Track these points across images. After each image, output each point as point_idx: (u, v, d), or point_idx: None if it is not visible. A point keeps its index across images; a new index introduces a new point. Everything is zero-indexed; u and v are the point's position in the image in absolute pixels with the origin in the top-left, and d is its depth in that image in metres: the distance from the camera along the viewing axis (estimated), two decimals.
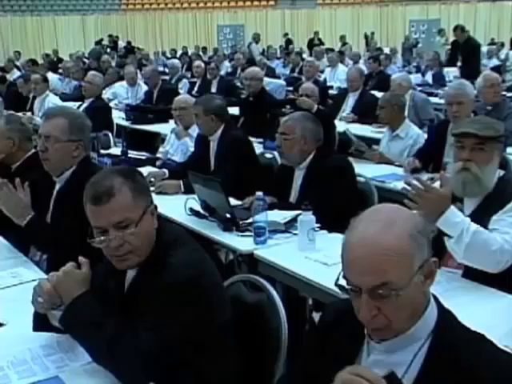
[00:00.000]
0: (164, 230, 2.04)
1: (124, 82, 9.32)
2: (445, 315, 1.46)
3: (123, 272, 2.05)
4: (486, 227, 2.59)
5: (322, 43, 20.56)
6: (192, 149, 4.97)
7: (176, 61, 13.00)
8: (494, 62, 13.96)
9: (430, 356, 1.42)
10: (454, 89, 4.61)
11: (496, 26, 24.71)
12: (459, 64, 10.09)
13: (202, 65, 10.62)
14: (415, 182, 2.44)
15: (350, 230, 1.45)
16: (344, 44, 20.23)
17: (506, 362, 1.39)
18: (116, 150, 5.48)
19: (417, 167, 4.35)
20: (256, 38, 19.48)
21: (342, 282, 1.44)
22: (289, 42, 21.99)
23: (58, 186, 3.07)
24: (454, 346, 1.40)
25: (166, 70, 13.49)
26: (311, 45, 20.42)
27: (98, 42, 21.75)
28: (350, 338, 1.52)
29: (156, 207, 2.04)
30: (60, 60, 17.19)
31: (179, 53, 19.62)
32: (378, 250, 1.37)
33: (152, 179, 4.25)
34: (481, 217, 2.64)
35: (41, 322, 2.11)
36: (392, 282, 1.37)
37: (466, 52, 10.22)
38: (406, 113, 6.05)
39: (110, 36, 22.34)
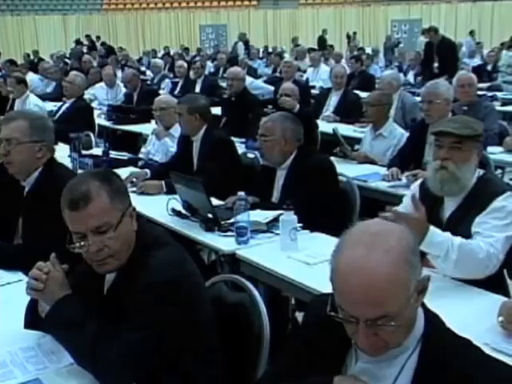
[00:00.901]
0: (144, 231, 2.03)
1: (102, 83, 9.28)
2: (432, 321, 1.45)
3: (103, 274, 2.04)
4: (467, 227, 2.62)
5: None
6: (172, 149, 4.97)
7: (159, 60, 12.98)
8: (477, 61, 14.06)
9: (419, 365, 1.40)
10: (427, 88, 4.64)
11: (477, 25, 24.88)
12: (436, 65, 10.13)
13: (185, 65, 10.60)
14: (389, 214, 2.38)
15: (340, 253, 1.38)
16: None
17: (494, 367, 1.39)
18: (98, 151, 5.45)
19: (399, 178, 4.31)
20: (242, 38, 19.46)
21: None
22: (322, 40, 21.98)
23: (26, 189, 3.02)
24: (442, 353, 1.39)
25: (148, 72, 13.48)
26: (321, 42, 20.44)
27: (77, 42, 21.64)
28: (337, 342, 1.49)
29: (135, 209, 2.03)
30: (40, 60, 17.06)
31: (161, 53, 19.57)
32: (375, 283, 1.31)
33: (134, 179, 4.24)
34: (462, 216, 2.67)
35: (33, 320, 2.10)
36: (391, 313, 1.33)
37: (443, 52, 10.28)
38: (392, 113, 6.10)
39: (88, 36, 22.22)
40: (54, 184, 1.93)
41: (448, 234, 2.48)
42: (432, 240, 2.41)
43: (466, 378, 1.34)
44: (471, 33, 20.64)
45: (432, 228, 2.43)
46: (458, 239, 2.47)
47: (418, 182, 2.96)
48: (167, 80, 11.06)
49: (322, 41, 20.86)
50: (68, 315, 1.96)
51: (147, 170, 4.47)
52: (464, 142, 2.66)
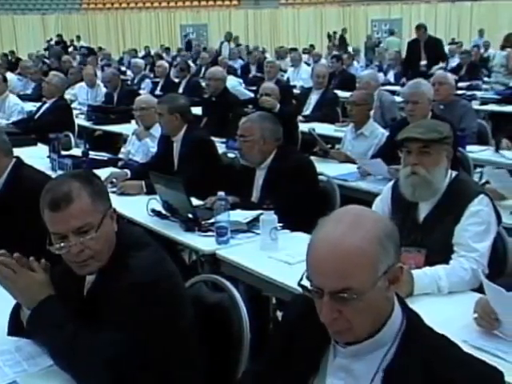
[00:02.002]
0: (124, 232, 2.03)
1: (83, 83, 9.22)
2: (410, 318, 1.45)
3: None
4: (442, 229, 2.64)
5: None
6: (153, 149, 4.95)
7: (139, 60, 12.91)
8: (456, 60, 14.15)
9: (395, 360, 1.40)
10: (409, 88, 4.67)
11: (456, 25, 25.08)
12: (424, 62, 10.16)
13: (165, 64, 10.56)
14: None
15: (316, 230, 1.42)
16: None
17: (471, 365, 1.39)
18: (77, 151, 5.42)
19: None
20: (228, 37, 19.42)
21: (306, 282, 1.41)
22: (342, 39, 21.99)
23: None
24: (419, 349, 1.38)
25: (128, 72, 13.42)
26: (342, 41, 20.41)
27: (49, 42, 21.52)
28: (315, 338, 1.49)
29: (115, 210, 2.02)
30: (18, 60, 16.90)
31: (142, 53, 19.49)
32: (341, 253, 1.34)
33: (114, 180, 4.21)
34: (437, 219, 2.69)
35: (16, 327, 2.08)
36: (354, 287, 1.33)
37: (431, 50, 10.32)
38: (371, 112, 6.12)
39: (59, 36, 22.07)
40: (22, 186, 1.91)
41: (430, 270, 2.50)
42: (420, 284, 2.44)
43: (442, 376, 1.34)
44: (480, 31, 20.68)
45: (415, 274, 2.45)
46: (442, 270, 2.49)
47: (390, 183, 2.98)
48: (147, 80, 11.01)
49: (342, 40, 20.78)
50: (50, 316, 1.94)
51: (127, 171, 4.45)
52: (431, 146, 2.67)
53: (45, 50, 20.17)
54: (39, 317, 1.96)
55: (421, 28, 10.51)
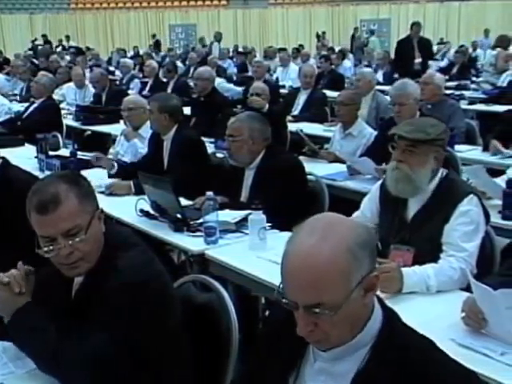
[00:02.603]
0: (111, 233, 2.02)
1: (71, 84, 9.18)
2: (389, 319, 1.44)
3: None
4: (431, 228, 2.65)
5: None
6: (142, 150, 4.94)
7: (128, 60, 12.87)
8: (445, 61, 14.22)
9: (371, 361, 1.39)
10: (395, 90, 4.67)
11: (444, 25, 25.17)
12: (419, 60, 10.19)
13: (154, 64, 10.54)
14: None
15: (290, 240, 1.40)
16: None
17: (446, 365, 1.39)
18: (65, 152, 5.39)
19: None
20: (218, 37, 19.38)
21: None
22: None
23: None
24: (395, 350, 1.38)
25: (117, 72, 13.37)
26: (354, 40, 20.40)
27: (33, 42, 21.42)
28: (296, 340, 1.48)
29: (102, 211, 2.01)
30: (6, 60, 16.81)
31: (131, 53, 19.43)
32: (312, 269, 1.31)
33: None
34: (425, 217, 2.70)
35: (1, 330, 2.06)
36: (327, 303, 1.32)
37: (424, 49, 10.36)
38: (364, 113, 6.13)
39: (44, 36, 21.96)
40: (9, 187, 1.90)
41: (419, 269, 2.51)
42: (410, 282, 2.45)
43: (417, 374, 1.34)
44: (485, 31, 20.73)
45: (405, 272, 2.46)
46: (431, 269, 2.50)
47: (379, 182, 2.99)
48: (136, 80, 10.98)
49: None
50: (29, 322, 1.93)
51: (114, 162, 4.53)
52: (417, 146, 2.68)
53: (29, 49, 20.04)
54: (18, 324, 1.95)
55: (415, 26, 10.49)
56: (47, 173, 4.34)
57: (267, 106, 5.81)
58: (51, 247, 1.89)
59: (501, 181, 3.51)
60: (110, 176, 4.50)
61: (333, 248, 1.33)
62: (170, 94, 5.08)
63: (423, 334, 1.45)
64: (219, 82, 8.78)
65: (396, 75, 9.96)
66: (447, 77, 9.50)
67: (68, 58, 16.60)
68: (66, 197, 1.89)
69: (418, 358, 1.36)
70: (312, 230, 1.37)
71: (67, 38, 22.34)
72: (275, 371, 1.53)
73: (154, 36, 22.85)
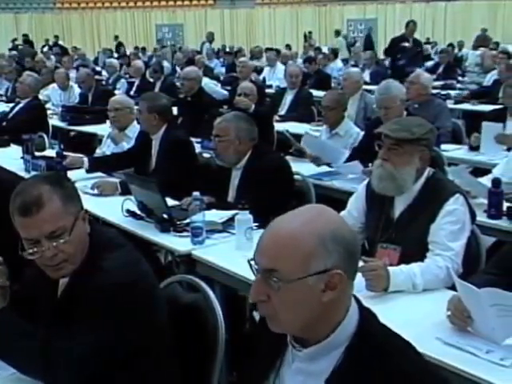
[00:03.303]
0: (96, 234, 2.01)
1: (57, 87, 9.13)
2: (365, 319, 1.44)
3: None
4: (417, 228, 2.66)
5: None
6: None
7: (114, 60, 12.80)
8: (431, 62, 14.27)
9: (345, 360, 1.40)
10: (380, 93, 4.67)
11: (430, 25, 25.26)
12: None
13: (140, 64, 10.50)
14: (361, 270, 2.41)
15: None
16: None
17: (418, 366, 1.39)
18: (51, 152, 5.36)
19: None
20: (209, 38, 19.32)
21: None
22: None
23: None
24: (370, 351, 1.38)
25: (104, 72, 13.32)
26: (368, 41, 20.31)
27: (13, 41, 21.28)
28: (276, 342, 1.51)
29: (87, 211, 2.00)
30: None
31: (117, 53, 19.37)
32: (280, 238, 1.38)
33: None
34: (411, 217, 2.72)
35: None
36: (280, 271, 1.36)
37: (420, 48, 10.43)
38: (352, 113, 6.14)
39: (25, 35, 21.83)
40: None
41: (406, 267, 2.52)
42: (397, 280, 2.46)
43: (391, 375, 1.34)
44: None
45: (391, 270, 2.46)
46: (417, 268, 2.51)
47: (365, 182, 3.00)
48: (123, 80, 10.95)
49: (368, 40, 20.67)
50: (9, 329, 1.90)
51: (85, 159, 4.56)
52: (402, 145, 2.69)
53: (9, 50, 19.87)
54: None
55: (414, 25, 10.47)
56: (33, 173, 4.32)
57: (253, 106, 5.81)
58: (35, 249, 1.88)
59: (486, 180, 3.53)
60: (87, 171, 4.53)
61: (304, 226, 1.38)
62: (159, 94, 5.07)
63: (401, 336, 1.45)
64: (206, 83, 8.77)
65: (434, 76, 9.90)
66: (434, 76, 9.54)
67: (53, 58, 16.50)
68: (49, 199, 1.87)
69: (393, 359, 1.36)
70: (300, 212, 1.44)
71: (56, 37, 22.19)
72: (257, 371, 1.54)
73: (116, 37, 22.56)
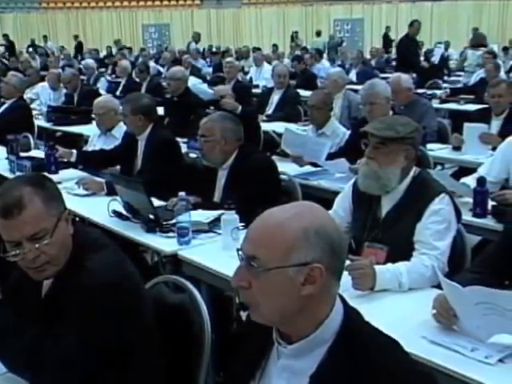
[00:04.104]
0: (80, 235, 2.00)
1: (46, 83, 9.08)
2: (350, 318, 1.45)
3: None
4: (403, 227, 2.68)
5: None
6: None
7: (90, 61, 12.70)
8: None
9: (329, 358, 1.40)
10: (364, 90, 4.71)
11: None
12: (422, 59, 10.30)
13: (124, 63, 10.47)
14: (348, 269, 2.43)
15: None
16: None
17: (406, 364, 1.39)
18: (37, 153, 5.33)
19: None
20: (195, 38, 19.28)
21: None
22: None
23: None
24: (352, 347, 1.38)
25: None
26: (386, 40, 20.24)
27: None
28: (262, 338, 1.51)
29: (70, 212, 1.99)
30: None
31: (103, 53, 19.28)
32: (266, 227, 1.40)
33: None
34: (398, 216, 2.73)
35: None
36: (261, 258, 1.38)
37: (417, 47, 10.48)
38: (337, 112, 6.15)
39: (5, 35, 21.68)
40: None
41: (392, 266, 2.53)
42: (383, 279, 2.46)
43: (375, 374, 1.34)
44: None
45: (377, 269, 2.47)
46: (403, 267, 2.52)
47: (352, 181, 3.00)
48: (102, 79, 10.92)
49: (387, 39, 20.58)
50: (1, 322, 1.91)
51: (74, 151, 4.63)
52: (387, 144, 2.70)
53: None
54: None
55: (419, 24, 10.42)
56: (18, 174, 4.30)
57: (240, 107, 5.82)
58: (17, 251, 1.87)
59: (471, 179, 3.54)
60: (74, 165, 4.60)
61: (292, 218, 1.39)
62: (142, 94, 5.06)
63: (387, 334, 1.45)
64: (194, 83, 8.76)
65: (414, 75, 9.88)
66: (414, 75, 9.57)
67: (38, 58, 16.42)
68: (31, 200, 1.86)
69: (378, 357, 1.36)
70: (291, 206, 1.46)
71: (44, 37, 22.06)
72: (243, 371, 1.54)
73: (76, 37, 22.40)
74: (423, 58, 10.37)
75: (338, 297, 1.47)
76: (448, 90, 8.68)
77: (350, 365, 1.36)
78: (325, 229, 1.40)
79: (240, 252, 1.44)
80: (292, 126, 6.34)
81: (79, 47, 20.98)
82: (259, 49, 16.70)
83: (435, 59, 13.89)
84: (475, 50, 11.89)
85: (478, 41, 12.38)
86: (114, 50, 18.96)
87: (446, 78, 11.62)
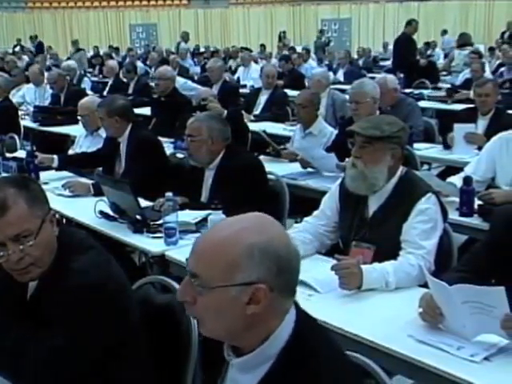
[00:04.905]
0: (66, 236, 1.99)
1: (31, 84, 9.03)
2: (299, 331, 1.38)
3: None
4: (390, 227, 2.69)
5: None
6: None
7: (71, 62, 12.63)
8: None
9: (270, 378, 1.36)
10: (353, 88, 4.73)
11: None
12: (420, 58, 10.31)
13: (113, 64, 10.43)
14: (334, 268, 2.45)
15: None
16: None
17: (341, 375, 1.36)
18: (23, 153, 5.29)
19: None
20: (185, 38, 19.21)
21: None
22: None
23: None
24: (299, 370, 1.33)
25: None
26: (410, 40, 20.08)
27: None
28: (221, 348, 1.47)
29: (55, 214, 1.98)
30: None
31: (91, 53, 19.20)
32: (208, 244, 1.35)
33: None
34: (385, 216, 2.74)
35: None
36: (202, 277, 1.33)
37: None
38: (322, 111, 6.16)
39: None
40: None
41: (379, 265, 2.54)
42: (369, 278, 2.47)
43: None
44: (443, 32, 20.93)
45: (364, 268, 2.47)
46: (390, 266, 2.53)
47: (338, 181, 3.01)
48: (86, 78, 10.88)
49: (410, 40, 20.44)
50: None
51: (55, 157, 4.59)
52: (373, 143, 2.71)
53: None
54: None
55: (417, 23, 10.42)
56: (4, 175, 4.28)
57: (225, 112, 5.83)
58: (1, 253, 1.86)
59: (458, 178, 3.56)
60: (56, 169, 4.55)
61: (236, 234, 1.34)
62: (115, 96, 4.97)
63: (337, 349, 1.42)
64: (185, 81, 8.74)
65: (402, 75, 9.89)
66: (401, 75, 9.60)
67: (26, 58, 16.32)
68: (14, 202, 1.85)
69: (321, 380, 1.32)
70: (239, 219, 1.40)
71: (31, 38, 21.89)
72: (211, 379, 1.54)
73: (35, 37, 22.14)
74: (419, 56, 10.34)
75: (294, 305, 1.42)
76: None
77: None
78: (272, 245, 1.33)
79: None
80: (281, 127, 6.39)
81: (39, 48, 20.71)
82: (247, 49, 16.68)
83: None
84: (461, 50, 11.94)
85: (464, 40, 12.41)
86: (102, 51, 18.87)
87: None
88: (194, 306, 1.37)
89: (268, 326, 1.37)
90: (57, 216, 2.03)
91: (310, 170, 4.53)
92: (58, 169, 4.54)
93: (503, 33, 18.08)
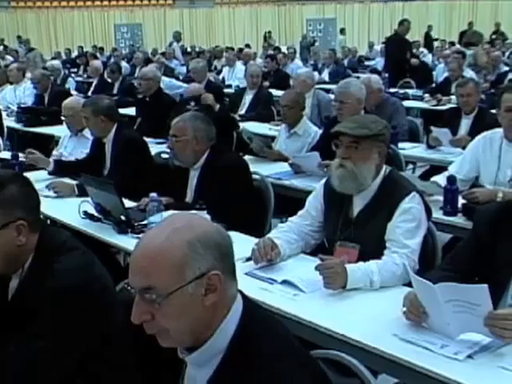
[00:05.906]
0: (47, 238, 1.98)
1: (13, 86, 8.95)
2: (246, 326, 1.41)
3: (6, 280, 1.97)
4: (375, 226, 2.70)
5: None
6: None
7: (55, 62, 12.55)
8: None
9: (218, 372, 1.38)
10: (339, 87, 4.74)
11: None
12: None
13: (97, 64, 10.38)
14: (319, 268, 2.46)
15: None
16: None
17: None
18: (6, 154, 5.26)
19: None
20: (177, 37, 19.15)
21: None
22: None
23: None
24: (246, 363, 1.36)
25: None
26: (428, 39, 19.96)
27: None
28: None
29: (28, 225, 1.93)
30: None
31: (75, 53, 19.10)
32: (149, 254, 1.35)
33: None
34: (369, 215, 2.74)
35: None
36: (157, 287, 1.33)
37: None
38: (307, 111, 6.16)
39: None
40: None
41: (363, 264, 2.54)
42: (354, 277, 2.48)
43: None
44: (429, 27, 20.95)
45: (348, 268, 2.48)
46: (374, 265, 2.53)
47: (323, 180, 3.02)
48: (70, 79, 10.82)
49: (428, 38, 20.37)
50: None
51: (51, 160, 4.57)
52: (361, 142, 2.72)
53: None
54: None
55: (409, 23, 10.38)
56: None
57: (218, 106, 5.82)
58: None
59: (442, 177, 3.58)
60: (50, 173, 4.48)
61: (171, 237, 1.36)
62: (100, 96, 4.96)
63: (283, 338, 1.44)
64: (169, 80, 8.71)
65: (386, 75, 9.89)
66: (385, 75, 9.64)
67: (10, 58, 16.20)
68: None
69: (266, 371, 1.34)
70: (165, 224, 1.42)
71: (19, 38, 21.72)
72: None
73: (27, 41, 21.95)
74: (409, 55, 10.35)
75: (239, 294, 1.45)
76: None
77: (240, 376, 1.35)
78: (208, 236, 1.38)
79: (130, 288, 1.39)
80: (266, 127, 6.39)
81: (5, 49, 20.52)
82: (233, 48, 16.65)
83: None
84: (467, 49, 11.91)
85: (468, 38, 12.33)
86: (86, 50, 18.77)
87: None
88: (154, 321, 1.37)
89: (220, 315, 1.40)
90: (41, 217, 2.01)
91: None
92: (52, 173, 4.47)
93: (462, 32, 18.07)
